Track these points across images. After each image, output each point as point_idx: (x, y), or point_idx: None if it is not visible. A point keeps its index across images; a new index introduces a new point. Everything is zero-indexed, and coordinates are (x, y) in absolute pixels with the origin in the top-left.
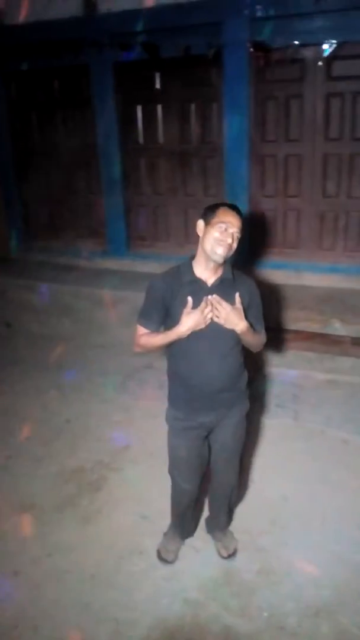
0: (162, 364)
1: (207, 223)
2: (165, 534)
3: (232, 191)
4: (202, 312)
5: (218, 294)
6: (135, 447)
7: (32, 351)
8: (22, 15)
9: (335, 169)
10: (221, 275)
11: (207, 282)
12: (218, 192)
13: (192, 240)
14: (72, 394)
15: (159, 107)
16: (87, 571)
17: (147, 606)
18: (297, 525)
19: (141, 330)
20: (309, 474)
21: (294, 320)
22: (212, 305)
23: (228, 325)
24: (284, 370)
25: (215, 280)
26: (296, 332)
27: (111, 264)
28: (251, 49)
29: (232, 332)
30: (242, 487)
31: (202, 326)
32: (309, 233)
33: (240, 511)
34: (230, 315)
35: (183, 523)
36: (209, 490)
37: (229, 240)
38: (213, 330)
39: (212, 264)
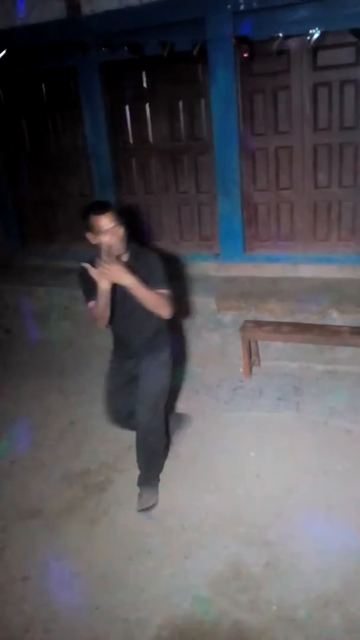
0: None
1: (92, 233)
2: None
3: (224, 186)
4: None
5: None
6: None
7: (33, 356)
8: (6, 20)
9: (325, 159)
10: (127, 261)
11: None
12: (210, 188)
13: (186, 237)
14: (75, 396)
15: (147, 106)
16: (96, 573)
17: (157, 605)
18: (302, 516)
19: (91, 304)
20: (312, 465)
21: (292, 312)
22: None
23: (116, 280)
24: (284, 362)
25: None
26: (294, 324)
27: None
28: (235, 43)
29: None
30: (165, 445)
31: (105, 283)
32: (303, 225)
33: (245, 504)
34: (115, 272)
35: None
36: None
37: (115, 238)
38: (129, 301)
39: (113, 255)
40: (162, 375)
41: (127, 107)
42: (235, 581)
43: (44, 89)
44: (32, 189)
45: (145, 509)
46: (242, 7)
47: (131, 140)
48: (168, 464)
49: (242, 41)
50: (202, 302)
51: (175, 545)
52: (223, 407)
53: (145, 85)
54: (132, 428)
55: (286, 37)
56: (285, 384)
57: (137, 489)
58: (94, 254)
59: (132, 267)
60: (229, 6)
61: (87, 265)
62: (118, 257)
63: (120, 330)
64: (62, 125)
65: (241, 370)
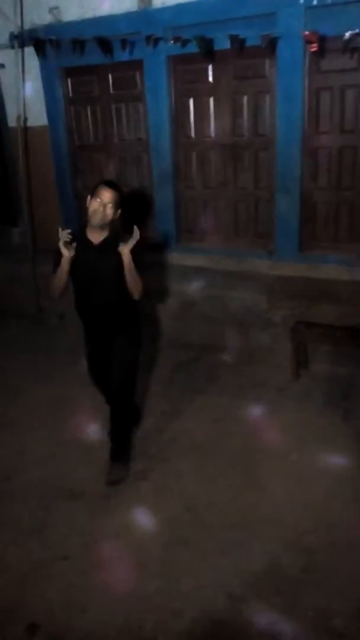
0: (210, 358)
1: (91, 197)
2: None
3: (283, 184)
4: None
5: (99, 251)
6: (181, 439)
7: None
8: (78, 11)
9: None
10: (105, 238)
11: (93, 242)
12: (269, 185)
13: (241, 234)
14: None
15: (211, 100)
16: (133, 559)
17: (192, 598)
18: (344, 525)
19: (52, 276)
20: (356, 474)
21: (345, 316)
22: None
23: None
24: (334, 367)
25: (100, 242)
26: (347, 328)
27: (161, 257)
28: (305, 39)
29: (112, 279)
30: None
31: (67, 252)
32: None
33: (285, 507)
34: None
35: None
36: None
37: (101, 210)
38: (98, 274)
39: (95, 228)
40: (133, 351)
41: (191, 101)
42: (270, 583)
43: (110, 81)
44: (93, 180)
45: (117, 482)
46: (314, 2)
47: (193, 134)
48: (210, 459)
49: (312, 37)
50: (252, 300)
51: (213, 541)
52: (267, 407)
53: (210, 79)
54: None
55: (357, 35)
56: (333, 389)
57: (177, 481)
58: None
59: (112, 243)
60: (301, 1)
61: (67, 232)
62: (100, 228)
63: (88, 305)
64: (126, 117)
65: (288, 371)
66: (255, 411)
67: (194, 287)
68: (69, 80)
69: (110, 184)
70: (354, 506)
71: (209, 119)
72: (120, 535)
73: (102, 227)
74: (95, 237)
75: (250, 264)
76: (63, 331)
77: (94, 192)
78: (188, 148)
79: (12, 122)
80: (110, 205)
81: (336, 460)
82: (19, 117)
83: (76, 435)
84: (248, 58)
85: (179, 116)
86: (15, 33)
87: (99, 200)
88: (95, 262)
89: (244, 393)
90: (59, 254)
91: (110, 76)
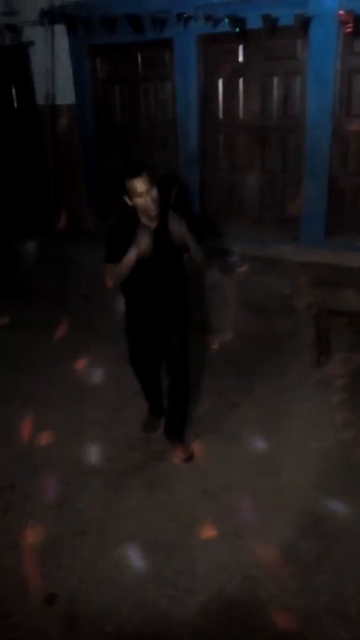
0: (230, 343)
1: (129, 197)
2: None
3: (311, 168)
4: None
5: (158, 234)
6: (201, 422)
7: (107, 323)
8: None
9: None
10: (158, 222)
11: (150, 227)
12: (297, 169)
13: (266, 218)
14: None
15: (241, 81)
16: (149, 537)
17: (207, 578)
18: None
19: (109, 266)
20: None
21: None
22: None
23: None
24: (357, 356)
25: (156, 225)
26: None
27: None
28: (340, 19)
29: (172, 262)
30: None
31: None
32: None
33: (304, 493)
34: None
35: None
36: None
37: (150, 201)
38: (160, 260)
39: (150, 217)
40: (187, 335)
41: (220, 81)
42: (286, 567)
43: (139, 60)
44: (118, 160)
45: (189, 458)
46: None
47: (221, 115)
48: (228, 444)
49: (347, 17)
50: (276, 285)
51: (229, 523)
52: (288, 394)
53: (240, 59)
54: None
55: None
56: (355, 378)
57: (195, 463)
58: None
59: (166, 224)
60: None
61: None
62: (154, 217)
63: (145, 291)
64: (154, 97)
65: (310, 359)
66: (275, 397)
67: (216, 271)
68: (98, 59)
69: (135, 172)
70: None
71: (237, 100)
72: (137, 513)
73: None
74: (149, 222)
75: (274, 249)
76: (87, 312)
77: (127, 190)
78: (215, 130)
79: (40, 99)
80: (152, 189)
81: (356, 449)
82: (47, 95)
83: (96, 415)
84: (280, 38)
85: (207, 97)
86: (46, 10)
87: (140, 192)
88: (157, 248)
89: (263, 379)
90: (115, 242)
91: (139, 55)
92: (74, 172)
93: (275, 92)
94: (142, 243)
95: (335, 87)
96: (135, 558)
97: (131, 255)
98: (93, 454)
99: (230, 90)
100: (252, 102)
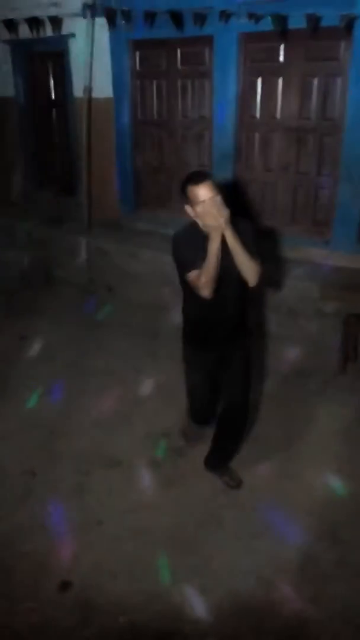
0: (255, 342)
1: (191, 206)
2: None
3: (347, 170)
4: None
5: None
6: None
7: (131, 316)
8: None
9: None
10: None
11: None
12: (333, 171)
13: (298, 220)
14: (164, 360)
15: (280, 81)
16: (166, 532)
17: (221, 576)
18: None
19: (194, 273)
20: None
21: None
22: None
23: (223, 227)
24: None
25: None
26: None
27: None
28: None
29: (240, 282)
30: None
31: (217, 241)
32: None
33: (323, 499)
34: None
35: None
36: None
37: (215, 211)
38: (228, 279)
39: (214, 227)
40: (250, 358)
41: (259, 80)
42: (301, 572)
43: (178, 56)
44: (153, 155)
45: (239, 485)
46: None
47: (258, 115)
48: (249, 443)
49: None
50: (304, 288)
51: (246, 523)
52: (312, 398)
53: (281, 59)
54: (210, 423)
55: None
56: None
57: None
58: (187, 224)
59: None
60: None
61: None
62: (218, 227)
63: (208, 316)
64: (191, 93)
65: (336, 363)
66: (298, 401)
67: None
68: (137, 53)
69: (199, 179)
70: None
71: (276, 99)
72: (154, 508)
73: None
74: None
75: (304, 252)
76: (111, 303)
77: (190, 198)
78: (252, 129)
79: (78, 92)
80: (217, 196)
81: None
82: (85, 88)
83: (118, 407)
84: (322, 39)
85: (245, 95)
86: (88, 2)
87: (204, 201)
88: (224, 262)
89: (287, 381)
90: (186, 249)
91: (179, 51)
92: (107, 164)
93: (315, 93)
94: (212, 217)
95: None
96: (150, 552)
97: (213, 246)
98: (113, 445)
99: (269, 89)
100: (290, 102)
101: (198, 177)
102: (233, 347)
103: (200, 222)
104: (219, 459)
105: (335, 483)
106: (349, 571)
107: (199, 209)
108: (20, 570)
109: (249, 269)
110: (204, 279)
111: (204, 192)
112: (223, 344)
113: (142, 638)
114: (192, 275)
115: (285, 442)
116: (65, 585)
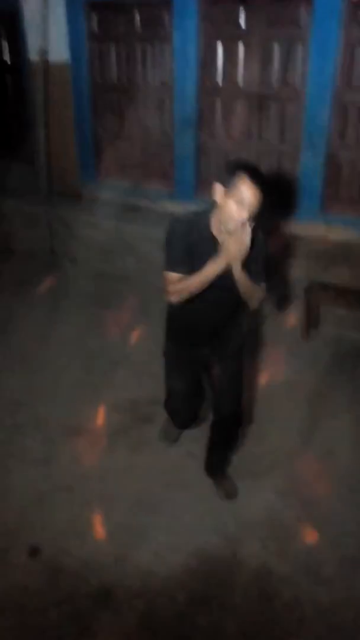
0: None
1: (226, 191)
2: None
3: (309, 138)
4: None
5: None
6: None
7: (95, 287)
8: None
9: None
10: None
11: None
12: (295, 139)
13: None
14: (131, 332)
15: (241, 46)
16: (133, 496)
17: (188, 535)
18: (342, 477)
19: (173, 277)
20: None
21: None
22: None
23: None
24: (346, 332)
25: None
26: None
27: (177, 207)
28: None
29: (236, 292)
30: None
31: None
32: None
33: (290, 461)
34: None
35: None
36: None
37: (244, 218)
38: (220, 285)
39: (228, 229)
40: (241, 366)
41: (220, 46)
42: (267, 529)
43: (137, 20)
44: (112, 121)
45: (234, 495)
46: None
47: (219, 81)
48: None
49: None
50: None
51: (212, 485)
52: (275, 366)
53: (242, 24)
54: (195, 426)
55: None
56: (343, 353)
57: None
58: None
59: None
60: None
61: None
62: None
63: (197, 315)
64: (151, 58)
65: (299, 332)
66: (263, 369)
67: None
68: (94, 15)
69: (257, 179)
70: (352, 462)
71: (237, 65)
72: (122, 473)
73: None
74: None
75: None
76: (74, 275)
77: (231, 184)
78: (213, 95)
79: (33, 56)
80: (250, 223)
81: (337, 420)
82: (40, 50)
83: (83, 377)
84: (283, 4)
85: (206, 61)
86: None
87: (242, 204)
88: (219, 280)
89: (251, 350)
90: (182, 246)
91: (137, 14)
92: (67, 132)
93: (276, 60)
94: (232, 248)
95: (338, 58)
96: (119, 515)
97: (213, 269)
98: (79, 415)
99: (230, 54)
100: (251, 68)
101: (256, 178)
102: (221, 348)
103: (216, 215)
104: (215, 467)
105: (295, 444)
106: (311, 527)
107: (228, 203)
108: None
109: (251, 298)
110: (180, 290)
111: (250, 196)
112: (209, 344)
113: (112, 597)
114: (170, 276)
115: (249, 409)
116: (34, 552)
